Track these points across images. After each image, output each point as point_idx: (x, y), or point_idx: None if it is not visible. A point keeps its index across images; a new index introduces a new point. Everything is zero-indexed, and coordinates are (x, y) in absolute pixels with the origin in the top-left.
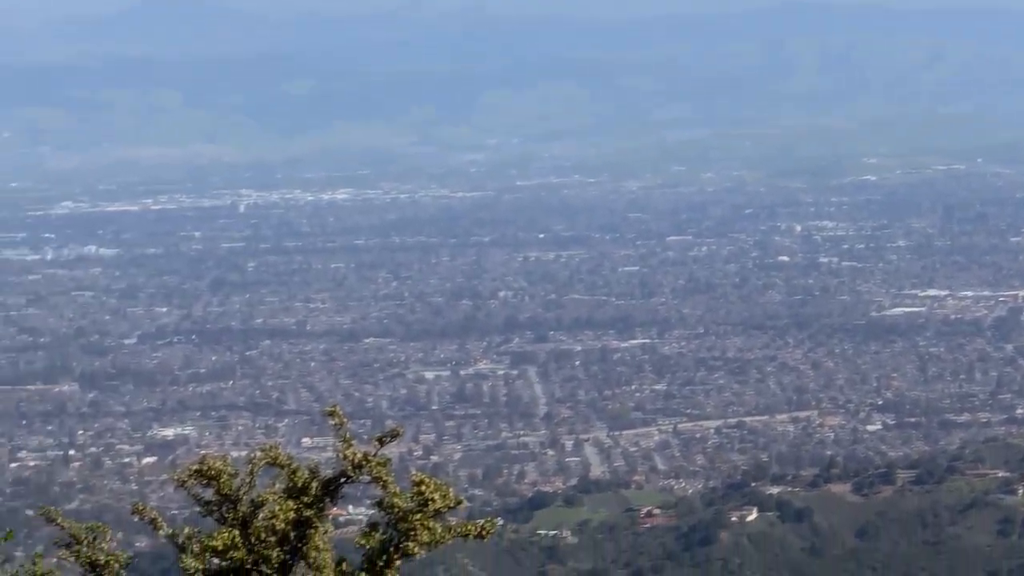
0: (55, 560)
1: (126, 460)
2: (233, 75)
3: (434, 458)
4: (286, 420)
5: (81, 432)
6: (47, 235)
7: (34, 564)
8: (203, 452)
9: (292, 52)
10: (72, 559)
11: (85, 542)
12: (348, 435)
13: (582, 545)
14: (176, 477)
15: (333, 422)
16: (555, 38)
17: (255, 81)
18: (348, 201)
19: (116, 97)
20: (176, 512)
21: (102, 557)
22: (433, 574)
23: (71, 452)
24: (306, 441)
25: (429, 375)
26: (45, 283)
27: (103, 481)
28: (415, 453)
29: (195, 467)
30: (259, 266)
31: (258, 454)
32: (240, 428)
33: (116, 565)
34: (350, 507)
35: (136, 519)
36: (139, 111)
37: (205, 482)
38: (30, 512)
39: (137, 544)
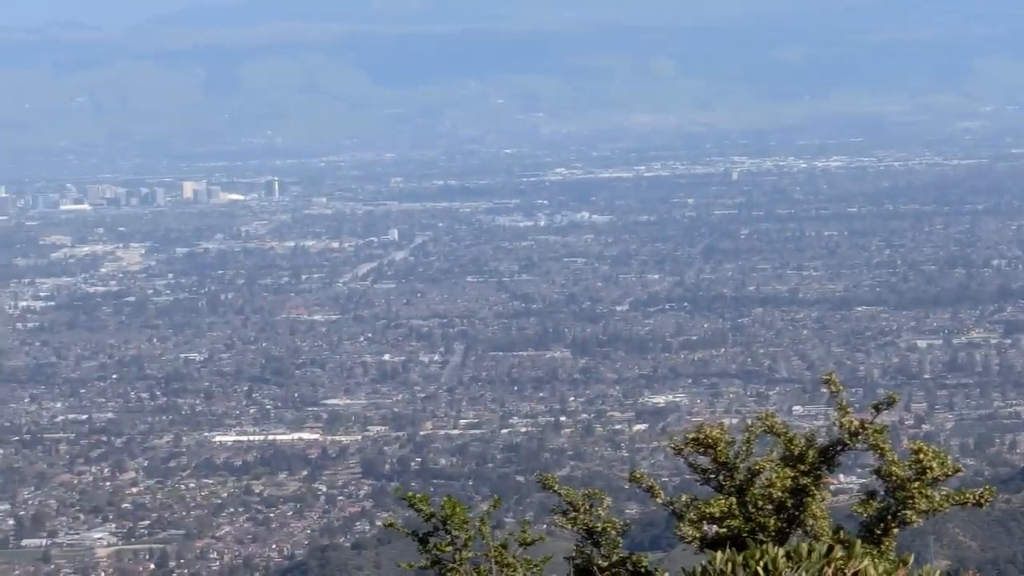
0: (544, 526)
1: (617, 427)
2: (728, 43)
3: (926, 427)
4: (777, 388)
5: (572, 398)
6: (540, 201)
7: (523, 532)
8: (698, 420)
9: (786, 19)
10: (569, 525)
11: (582, 508)
12: (844, 403)
13: None
14: (673, 445)
15: (830, 389)
16: None
17: (750, 48)
18: (841, 168)
19: (610, 64)
20: (666, 479)
21: (599, 524)
22: (923, 543)
23: (562, 418)
24: (797, 409)
25: (921, 343)
26: (538, 249)
27: (593, 448)
28: (906, 422)
29: (693, 435)
30: (751, 233)
31: (755, 422)
32: (731, 396)
33: (613, 532)
34: (840, 475)
35: (632, 486)
36: (633, 78)
37: (702, 450)
38: (520, 478)
39: (627, 511)
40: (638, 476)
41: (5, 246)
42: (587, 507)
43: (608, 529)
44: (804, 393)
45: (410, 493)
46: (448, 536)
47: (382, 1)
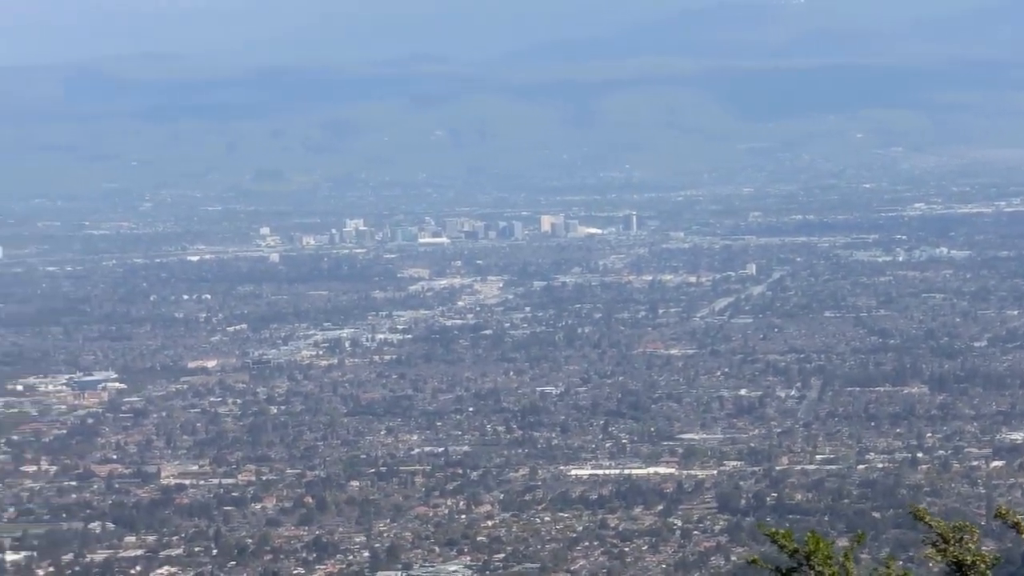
0: (901, 563)
1: (974, 463)
2: None
3: None
4: None
5: (929, 435)
6: (899, 236)
7: (888, 568)
8: None
9: None
10: (938, 557)
11: (952, 541)
12: None
13: None
14: None
15: None
16: None
17: None
18: None
19: (971, 99)
20: (1023, 516)
21: (968, 557)
22: None
23: (919, 454)
24: None
25: None
26: (896, 284)
27: (950, 484)
28: None
29: None
30: None
31: None
32: None
33: (982, 565)
34: None
35: (996, 523)
36: (993, 113)
37: None
38: (876, 514)
39: (983, 548)
40: (1004, 512)
41: (364, 279)
42: (957, 539)
43: (977, 562)
44: None
45: (773, 529)
46: (812, 571)
47: (744, 36)
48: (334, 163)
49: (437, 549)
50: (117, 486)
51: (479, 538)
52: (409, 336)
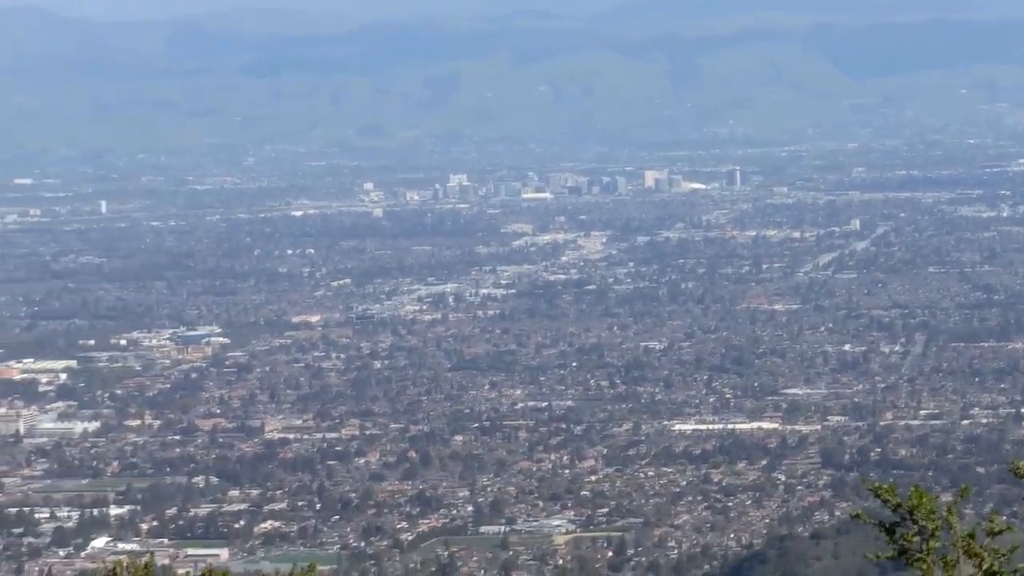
0: (1003, 518)
1: None
2: None
3: None
4: None
5: None
6: (1003, 191)
7: (990, 521)
8: None
9: None
10: None
11: None
12: None
13: None
14: None
15: None
16: None
17: None
18: None
19: None
20: None
21: None
22: None
23: (1023, 410)
24: None
25: None
26: (1000, 240)
27: None
28: None
29: None
30: None
31: None
32: None
33: None
34: None
35: None
36: None
37: None
38: (981, 470)
39: None
40: None
41: (467, 234)
42: None
43: None
44: None
45: (876, 483)
46: (915, 526)
47: None
48: (437, 118)
49: (541, 504)
50: (221, 440)
51: (583, 493)
52: (512, 291)
